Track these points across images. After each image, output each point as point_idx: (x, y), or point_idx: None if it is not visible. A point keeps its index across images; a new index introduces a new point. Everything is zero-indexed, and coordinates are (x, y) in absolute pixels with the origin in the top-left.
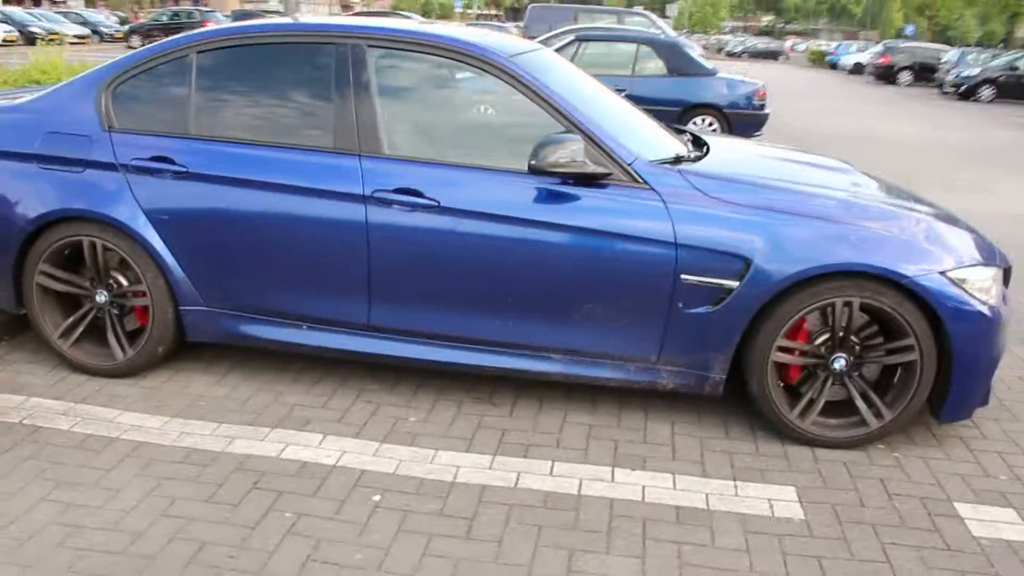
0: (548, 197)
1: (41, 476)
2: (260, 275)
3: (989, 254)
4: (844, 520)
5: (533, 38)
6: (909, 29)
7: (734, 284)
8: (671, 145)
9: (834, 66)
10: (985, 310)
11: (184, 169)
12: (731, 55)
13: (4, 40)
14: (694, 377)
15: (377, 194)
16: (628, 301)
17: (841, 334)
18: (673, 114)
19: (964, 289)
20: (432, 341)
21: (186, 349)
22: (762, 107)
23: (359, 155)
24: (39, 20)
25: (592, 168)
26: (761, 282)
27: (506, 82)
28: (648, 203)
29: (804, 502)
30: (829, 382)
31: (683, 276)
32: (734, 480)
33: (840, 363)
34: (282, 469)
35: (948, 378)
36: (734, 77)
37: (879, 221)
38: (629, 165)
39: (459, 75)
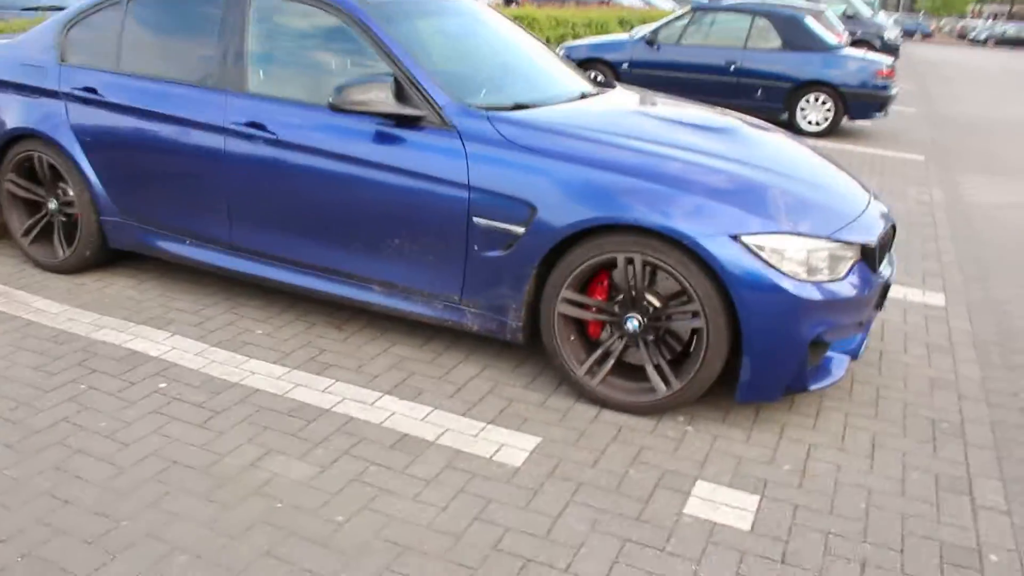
0: (369, 136)
1: None
2: (153, 193)
3: (824, 225)
4: (557, 475)
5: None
6: None
7: (520, 230)
8: (560, 90)
9: None
10: (784, 282)
11: (102, 98)
12: (974, 41)
13: None
14: (495, 322)
15: (232, 126)
16: (431, 239)
17: (633, 293)
18: (781, 91)
19: (760, 257)
20: (277, 263)
21: (132, 258)
22: (885, 87)
23: (226, 91)
24: None
25: (395, 108)
26: (544, 230)
27: (350, 26)
28: (451, 145)
29: (536, 453)
30: (622, 342)
31: (475, 218)
32: (489, 423)
33: (632, 324)
34: (111, 353)
35: (739, 352)
36: (857, 54)
37: (691, 181)
38: (440, 108)
39: (318, 19)
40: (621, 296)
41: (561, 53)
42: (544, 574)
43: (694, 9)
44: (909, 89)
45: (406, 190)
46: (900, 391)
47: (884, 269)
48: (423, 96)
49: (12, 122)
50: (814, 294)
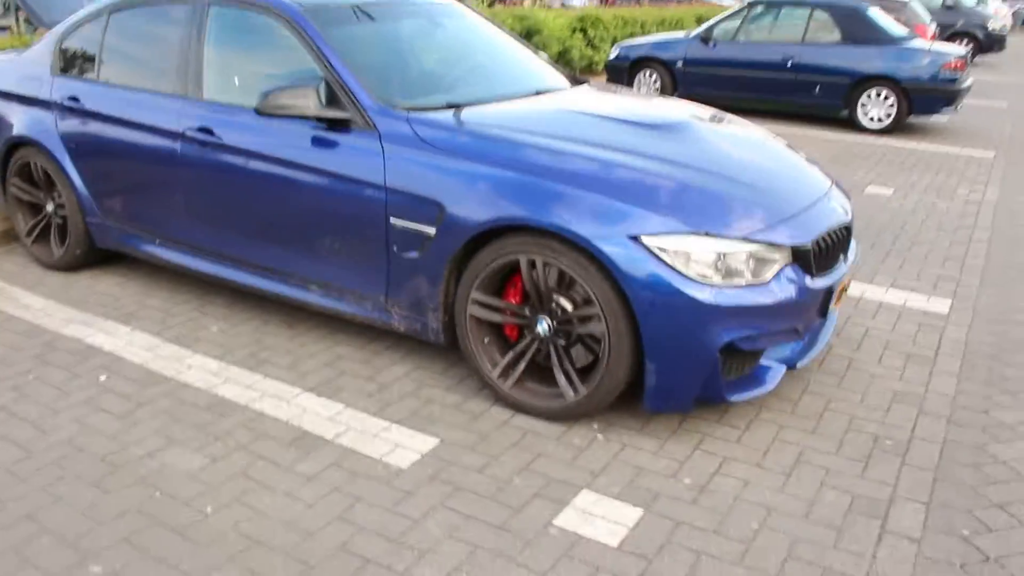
0: (302, 139)
1: None
2: (126, 195)
3: (745, 225)
4: (438, 479)
5: None
6: None
7: (432, 231)
8: (512, 88)
9: None
10: (685, 286)
11: (82, 106)
12: None
13: None
14: (418, 323)
15: (186, 131)
16: (356, 240)
17: (540, 296)
18: (840, 87)
19: (660, 259)
20: (230, 263)
21: (127, 257)
22: (953, 81)
23: (184, 98)
24: None
25: (318, 111)
26: (452, 231)
27: (290, 31)
28: (371, 147)
29: (428, 456)
30: (533, 345)
31: (392, 219)
32: (394, 424)
33: (543, 326)
34: (70, 347)
35: (641, 359)
36: (923, 45)
37: (597, 180)
38: (364, 110)
39: (264, 25)
40: (531, 299)
41: (614, 53)
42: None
43: (750, 4)
44: (1010, 82)
45: (334, 192)
46: (852, 404)
47: (837, 270)
48: (350, 99)
49: (13, 130)
50: (723, 299)
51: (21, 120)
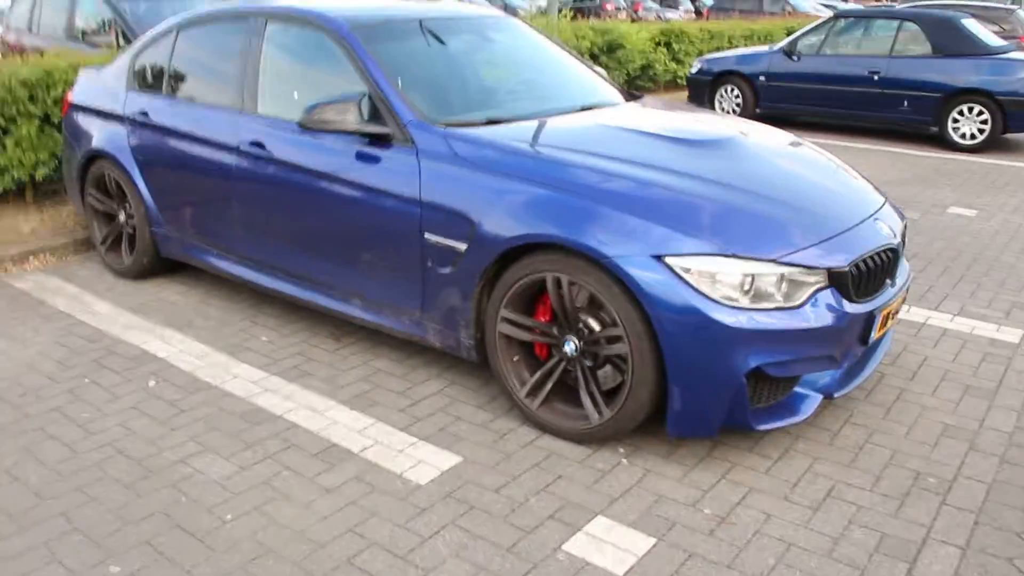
0: (348, 154)
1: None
2: (188, 206)
3: (778, 247)
4: (454, 497)
5: None
6: None
7: (463, 246)
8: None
9: None
10: (709, 308)
11: (151, 120)
12: None
13: None
14: (452, 338)
15: (241, 145)
16: (393, 255)
17: (567, 315)
18: (930, 101)
19: (684, 280)
20: (282, 275)
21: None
22: None
23: (240, 112)
24: None
25: (359, 126)
26: (482, 247)
27: (338, 46)
28: (409, 162)
29: (448, 473)
30: (560, 365)
31: (427, 234)
32: (421, 440)
33: (570, 347)
34: (126, 352)
35: (664, 382)
36: (1022, 57)
37: (626, 198)
38: (404, 125)
39: (314, 41)
40: (559, 318)
41: (695, 67)
42: None
43: (836, 16)
44: None
45: (373, 206)
46: (896, 438)
47: (881, 296)
48: (391, 113)
49: (90, 143)
50: (749, 322)
51: (98, 133)
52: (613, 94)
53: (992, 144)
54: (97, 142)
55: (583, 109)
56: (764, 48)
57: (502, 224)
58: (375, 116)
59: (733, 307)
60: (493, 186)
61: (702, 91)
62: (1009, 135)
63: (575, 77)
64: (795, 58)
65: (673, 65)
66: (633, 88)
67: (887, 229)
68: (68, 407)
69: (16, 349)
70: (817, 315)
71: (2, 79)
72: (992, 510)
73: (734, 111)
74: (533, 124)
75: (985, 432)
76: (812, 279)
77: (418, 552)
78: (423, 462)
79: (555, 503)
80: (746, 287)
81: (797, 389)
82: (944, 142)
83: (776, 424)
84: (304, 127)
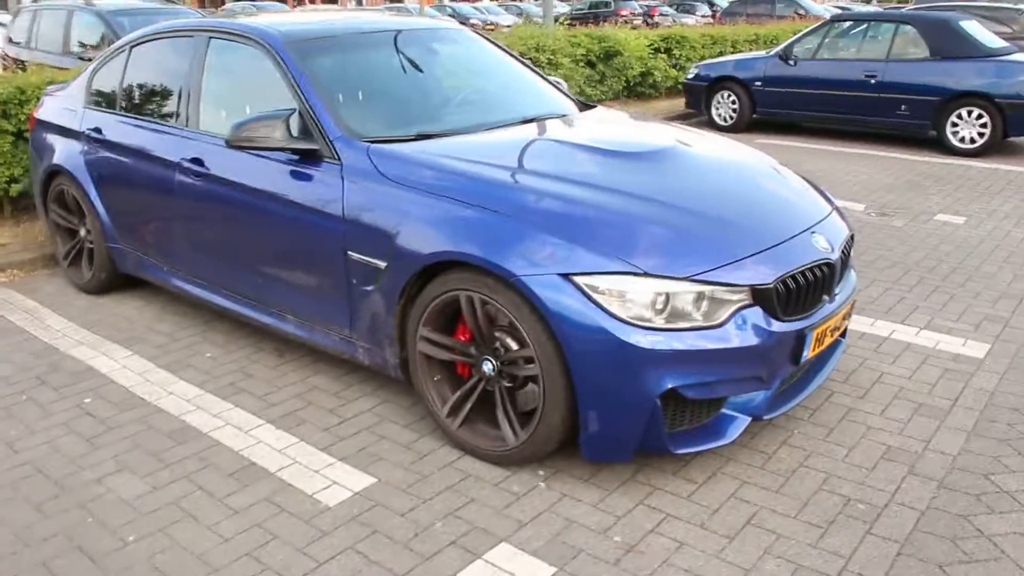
0: (280, 171)
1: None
2: (138, 223)
3: (696, 263)
4: (359, 520)
5: None
6: None
7: (383, 264)
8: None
9: None
10: (617, 328)
11: (103, 137)
12: None
13: None
14: (380, 356)
15: (182, 161)
16: (321, 272)
17: (482, 335)
18: (928, 105)
19: (591, 298)
20: (222, 291)
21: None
22: None
23: (183, 128)
24: (481, 13)
25: (284, 143)
26: (399, 265)
27: (275, 65)
28: (334, 178)
29: (359, 495)
30: (480, 385)
31: (349, 252)
32: (340, 460)
33: (488, 367)
34: (71, 367)
35: (575, 405)
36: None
37: (538, 214)
38: (331, 142)
39: (251, 56)
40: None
41: (691, 73)
42: None
43: (832, 19)
44: None
45: (302, 223)
46: (833, 461)
47: (816, 312)
48: (319, 129)
49: (50, 159)
50: (661, 343)
51: (58, 149)
52: (562, 105)
53: (993, 149)
54: (57, 158)
55: (525, 121)
56: (761, 53)
57: (419, 242)
58: (306, 133)
59: (644, 327)
60: (412, 203)
61: (699, 97)
62: (1013, 139)
63: (523, 88)
64: (791, 62)
65: (674, 72)
66: (634, 96)
67: (824, 243)
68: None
69: None
70: (740, 335)
71: None
72: (919, 540)
73: (730, 117)
74: (463, 139)
75: (928, 455)
76: (734, 297)
77: None
78: (337, 483)
79: (461, 528)
80: (659, 306)
81: (724, 411)
82: (943, 147)
83: (697, 448)
84: (230, 144)
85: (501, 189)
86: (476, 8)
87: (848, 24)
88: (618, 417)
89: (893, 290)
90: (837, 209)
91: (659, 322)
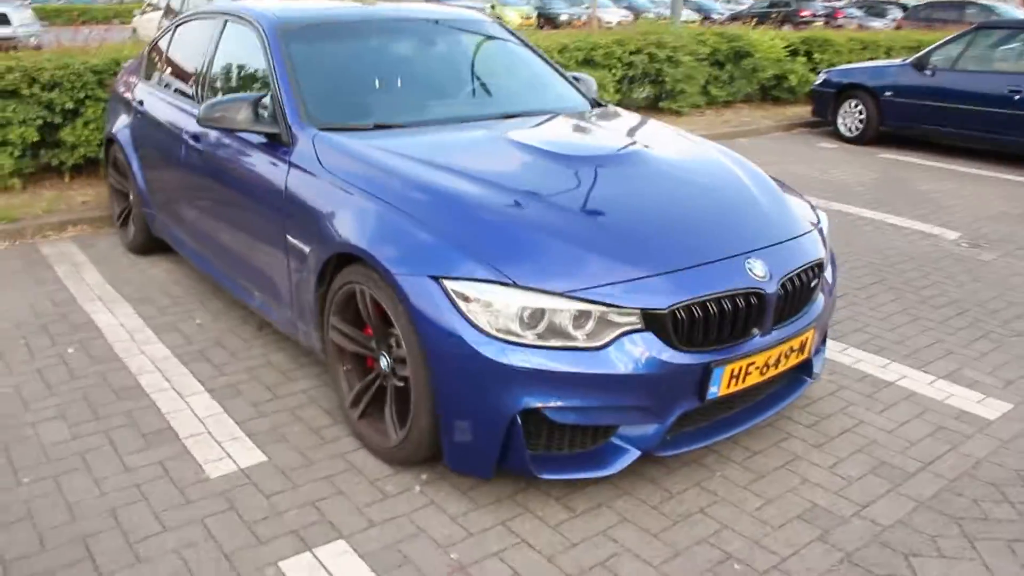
0: (249, 153)
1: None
2: (161, 191)
3: (567, 278)
4: (224, 496)
5: None
6: None
7: (308, 250)
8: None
9: None
10: (474, 338)
11: (143, 109)
12: None
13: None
14: (314, 339)
15: (186, 136)
16: (270, 253)
17: (375, 329)
18: None
19: (455, 305)
20: (211, 263)
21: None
22: None
23: (195, 106)
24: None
25: (248, 125)
26: (317, 252)
27: (262, 48)
28: (284, 163)
29: (242, 470)
30: (378, 380)
31: (287, 236)
32: (247, 435)
33: (384, 361)
34: (76, 319)
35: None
36: None
37: (436, 215)
38: (289, 126)
39: (248, 37)
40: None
41: (819, 79)
42: None
43: (979, 27)
44: None
45: (260, 204)
46: (738, 513)
47: (738, 347)
48: (282, 114)
49: (109, 128)
50: (523, 359)
51: (116, 119)
52: (564, 102)
53: None
54: (113, 127)
55: (504, 117)
56: (896, 60)
57: (331, 231)
58: (275, 116)
59: (507, 341)
60: (334, 192)
61: (825, 104)
62: None
63: (522, 83)
64: (927, 72)
65: (814, 76)
66: (769, 100)
67: (761, 270)
68: None
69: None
70: (622, 361)
71: (75, 67)
72: None
73: (856, 128)
74: (414, 132)
75: (854, 522)
76: (621, 320)
77: (146, 542)
78: (230, 457)
79: (312, 518)
80: (528, 320)
81: (613, 440)
82: None
83: (569, 475)
84: (201, 123)
85: (408, 186)
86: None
87: (997, 33)
88: (476, 430)
89: (933, 331)
90: (820, 231)
91: (530, 337)
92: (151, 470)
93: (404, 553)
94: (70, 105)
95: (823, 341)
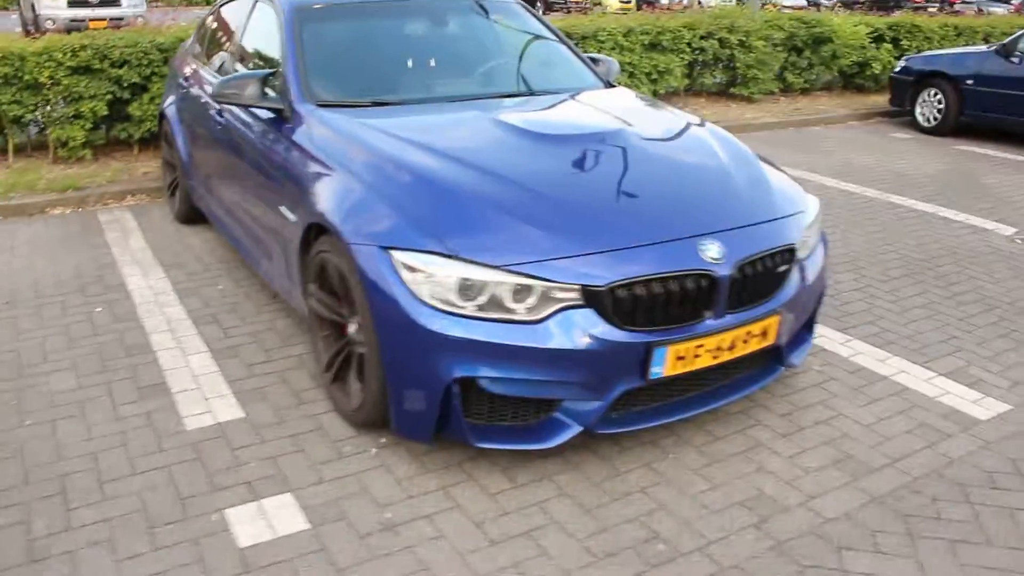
0: (259, 127)
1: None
2: (197, 163)
3: (509, 252)
4: (196, 447)
5: None
6: None
7: (294, 219)
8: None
9: None
10: (414, 308)
11: (188, 84)
12: None
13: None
14: (304, 308)
15: (212, 112)
16: (271, 224)
17: (344, 296)
18: None
19: (398, 274)
20: (230, 232)
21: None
22: None
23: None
24: None
25: (256, 101)
26: (298, 222)
27: (279, 27)
28: (283, 138)
29: (219, 424)
30: (347, 345)
31: (280, 207)
32: (234, 392)
33: (352, 328)
34: (110, 281)
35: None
36: None
37: (400, 189)
38: (291, 102)
39: (272, 19)
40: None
41: (899, 66)
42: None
43: None
44: None
45: (267, 176)
46: (676, 495)
47: (685, 329)
48: (287, 91)
49: (162, 103)
50: (457, 329)
51: (168, 95)
52: (572, 82)
53: None
54: (165, 101)
55: (502, 96)
56: (980, 47)
57: (310, 201)
58: (284, 93)
59: (445, 311)
60: (316, 165)
61: (903, 93)
62: None
63: (532, 62)
64: (1014, 59)
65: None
66: (851, 88)
67: (716, 252)
68: (23, 319)
69: (42, 267)
70: (559, 336)
71: (142, 44)
72: None
73: (935, 118)
74: (406, 109)
75: (797, 512)
76: (560, 295)
77: (114, 484)
78: (211, 412)
79: (268, 472)
80: (468, 292)
81: (556, 415)
82: None
83: (504, 445)
84: (214, 99)
85: (380, 160)
86: None
87: None
88: (415, 397)
89: (951, 327)
90: (802, 216)
91: (469, 308)
92: (137, 420)
93: (343, 509)
94: (137, 80)
95: (809, 330)
